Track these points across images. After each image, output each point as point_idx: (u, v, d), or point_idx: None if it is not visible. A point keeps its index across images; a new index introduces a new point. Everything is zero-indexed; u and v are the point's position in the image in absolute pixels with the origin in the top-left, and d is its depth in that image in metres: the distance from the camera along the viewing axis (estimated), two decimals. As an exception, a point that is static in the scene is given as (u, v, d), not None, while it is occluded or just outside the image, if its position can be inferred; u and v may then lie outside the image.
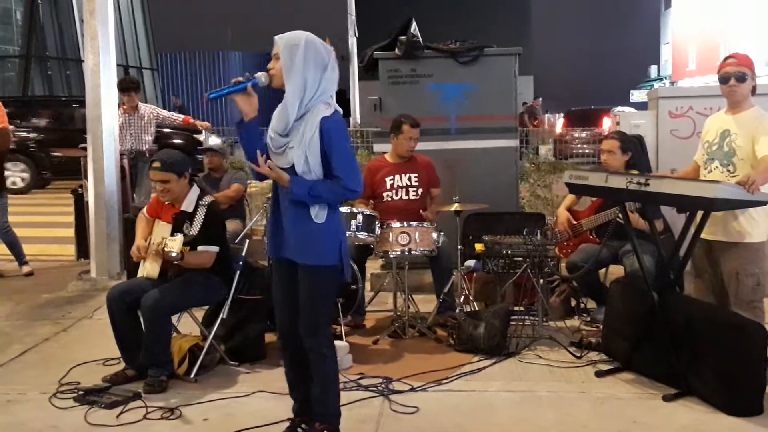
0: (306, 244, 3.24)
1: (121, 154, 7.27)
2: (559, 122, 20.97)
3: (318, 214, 3.22)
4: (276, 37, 3.20)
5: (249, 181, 7.05)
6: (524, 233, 5.24)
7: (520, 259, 5.21)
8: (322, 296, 3.33)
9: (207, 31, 38.44)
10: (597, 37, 79.42)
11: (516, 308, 5.33)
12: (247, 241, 4.96)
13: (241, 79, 3.24)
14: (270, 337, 4.81)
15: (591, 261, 5.14)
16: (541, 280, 5.22)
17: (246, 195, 7.40)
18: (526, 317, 5.23)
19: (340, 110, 3.27)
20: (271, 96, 3.06)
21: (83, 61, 7.89)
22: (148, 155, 8.12)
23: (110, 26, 6.89)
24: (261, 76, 3.20)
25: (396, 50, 6.59)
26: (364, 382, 4.32)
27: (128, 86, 8.34)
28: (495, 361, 4.65)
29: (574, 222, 5.60)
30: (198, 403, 4.07)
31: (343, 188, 3.20)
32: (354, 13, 21.89)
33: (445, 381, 4.34)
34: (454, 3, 40.03)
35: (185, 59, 43.94)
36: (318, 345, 3.33)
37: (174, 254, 4.23)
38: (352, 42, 22.49)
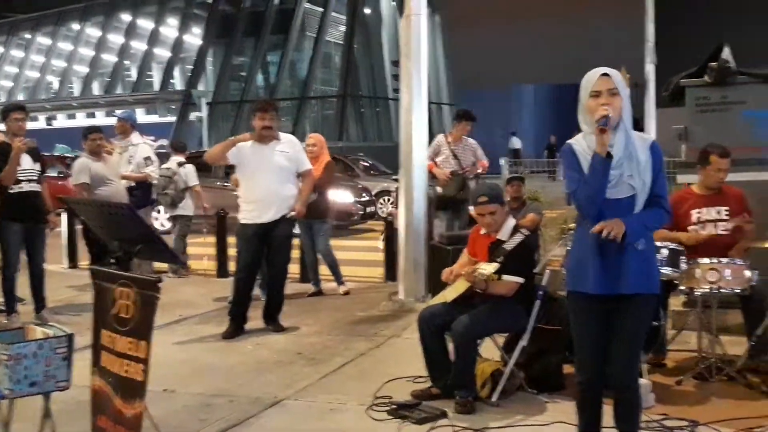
0: (643, 274, 3.31)
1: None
2: None
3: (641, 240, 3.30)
4: (608, 72, 3.22)
5: (543, 212, 7.17)
6: None
7: None
8: (645, 326, 3.45)
9: (498, 66, 39.15)
10: None
11: None
12: (548, 271, 5.06)
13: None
14: (568, 368, 4.84)
15: None
16: None
17: (540, 226, 7.51)
18: None
19: None
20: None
21: (392, 99, 8.58)
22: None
23: (422, 68, 7.43)
24: (608, 113, 3.17)
25: (705, 77, 6.31)
26: (668, 423, 4.18)
27: (469, 117, 8.90)
28: (818, 414, 4.23)
29: None
30: (500, 427, 4.22)
31: (663, 209, 3.30)
32: (652, 41, 20.99)
33: (757, 430, 4.06)
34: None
35: (478, 94, 45.19)
36: (634, 379, 3.40)
37: (483, 276, 4.45)
38: (649, 69, 21.58)
